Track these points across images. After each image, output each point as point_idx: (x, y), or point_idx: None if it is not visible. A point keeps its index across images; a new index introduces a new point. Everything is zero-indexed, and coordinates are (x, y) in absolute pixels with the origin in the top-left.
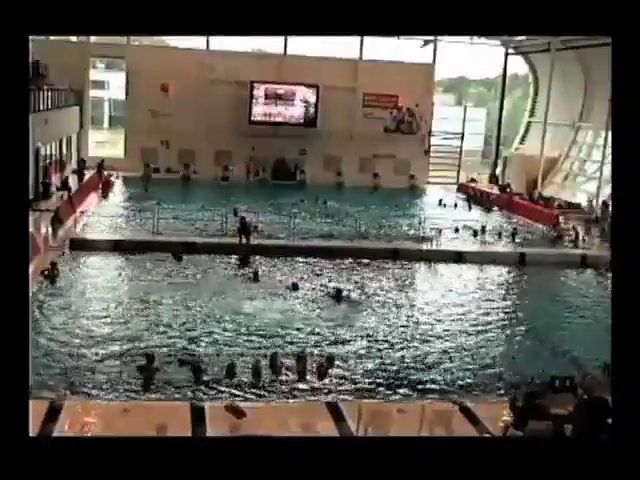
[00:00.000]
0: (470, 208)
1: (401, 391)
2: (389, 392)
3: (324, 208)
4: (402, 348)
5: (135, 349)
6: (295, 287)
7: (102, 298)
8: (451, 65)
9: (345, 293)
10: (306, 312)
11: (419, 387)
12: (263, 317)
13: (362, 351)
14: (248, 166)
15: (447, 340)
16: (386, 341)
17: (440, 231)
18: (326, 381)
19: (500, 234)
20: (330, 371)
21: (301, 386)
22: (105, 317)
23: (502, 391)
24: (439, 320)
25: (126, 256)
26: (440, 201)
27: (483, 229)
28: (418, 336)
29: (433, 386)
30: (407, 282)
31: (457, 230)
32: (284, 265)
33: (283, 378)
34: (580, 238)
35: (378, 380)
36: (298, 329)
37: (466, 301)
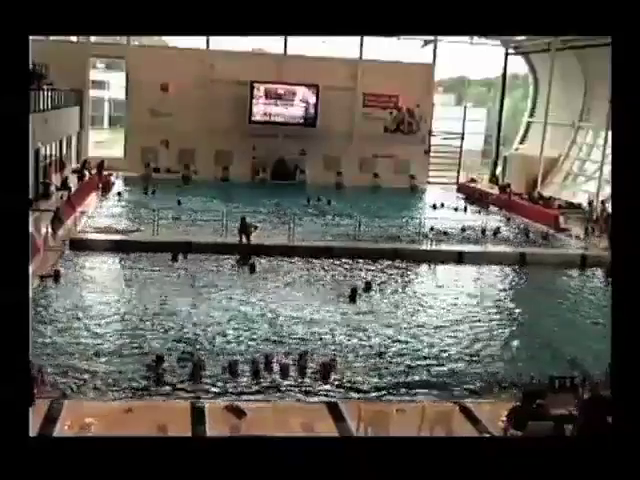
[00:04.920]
0: (465, 210)
1: None
2: None
3: (328, 208)
4: None
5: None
6: (368, 287)
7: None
8: (451, 65)
9: None
10: None
11: None
12: None
13: None
14: (253, 165)
15: None
16: None
17: (443, 233)
18: None
19: (484, 232)
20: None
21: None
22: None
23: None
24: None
25: (126, 256)
26: (434, 206)
27: (464, 229)
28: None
29: None
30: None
31: (432, 229)
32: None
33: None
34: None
35: None
36: None
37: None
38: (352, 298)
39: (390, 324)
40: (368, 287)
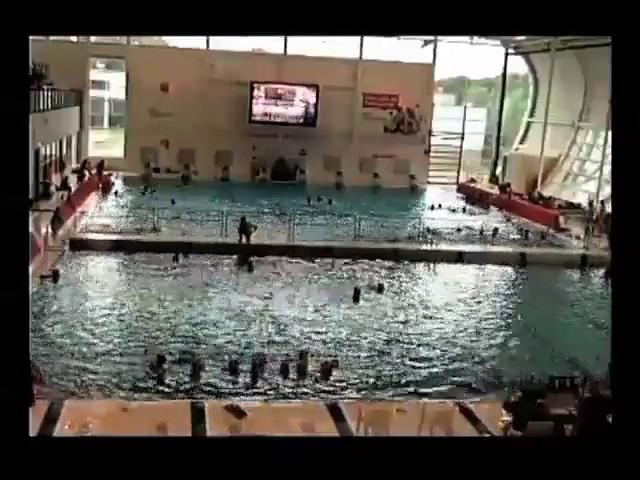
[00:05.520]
0: (464, 210)
1: None
2: None
3: (328, 208)
4: None
5: None
6: (380, 289)
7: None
8: (451, 65)
9: None
10: None
11: None
12: None
13: None
14: (253, 165)
15: None
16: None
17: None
18: None
19: (482, 232)
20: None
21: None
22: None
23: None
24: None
25: (126, 256)
26: (432, 207)
27: (459, 230)
28: None
29: None
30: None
31: (429, 230)
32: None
33: None
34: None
35: None
36: None
37: None
38: (356, 298)
39: (395, 323)
40: (380, 288)
